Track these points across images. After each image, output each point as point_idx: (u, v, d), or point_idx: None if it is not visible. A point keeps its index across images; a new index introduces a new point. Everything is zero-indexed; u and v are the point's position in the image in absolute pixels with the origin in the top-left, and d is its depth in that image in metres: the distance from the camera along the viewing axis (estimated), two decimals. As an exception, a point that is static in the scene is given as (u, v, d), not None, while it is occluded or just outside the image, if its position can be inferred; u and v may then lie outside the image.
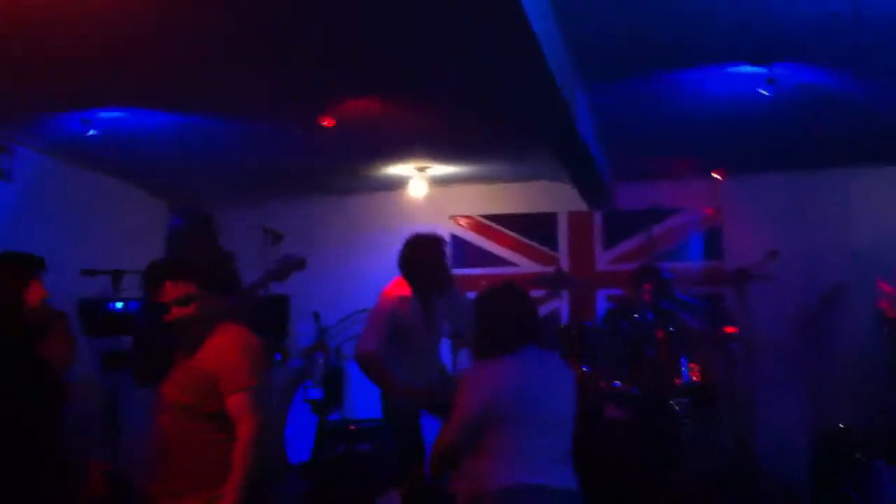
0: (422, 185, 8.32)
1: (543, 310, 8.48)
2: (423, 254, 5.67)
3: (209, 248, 5.60)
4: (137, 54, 4.92)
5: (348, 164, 7.94)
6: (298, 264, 5.50)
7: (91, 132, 6.00)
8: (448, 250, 5.87)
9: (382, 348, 5.39)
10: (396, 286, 5.66)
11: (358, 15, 4.47)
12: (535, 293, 8.12)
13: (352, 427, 7.47)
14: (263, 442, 3.51)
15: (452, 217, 8.93)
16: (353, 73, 5.42)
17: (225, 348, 3.60)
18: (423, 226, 8.14)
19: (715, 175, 8.07)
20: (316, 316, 8.12)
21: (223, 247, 6.40)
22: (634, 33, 4.90)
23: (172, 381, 3.67)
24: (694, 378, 6.82)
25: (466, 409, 3.74)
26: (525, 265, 8.72)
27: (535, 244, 8.79)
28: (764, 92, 5.39)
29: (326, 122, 6.11)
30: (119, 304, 6.63)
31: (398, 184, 8.56)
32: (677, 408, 6.57)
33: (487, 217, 8.93)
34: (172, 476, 3.56)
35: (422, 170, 8.15)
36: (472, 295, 6.85)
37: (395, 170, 8.20)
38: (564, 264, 8.54)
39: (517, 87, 4.96)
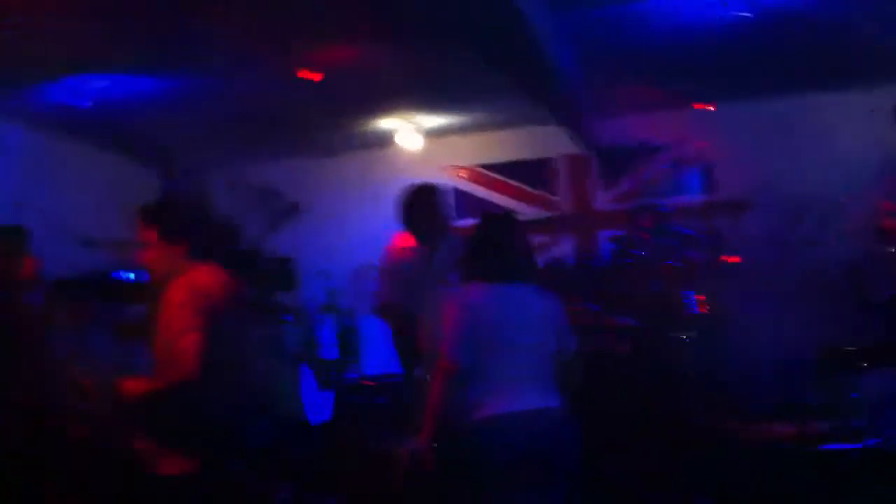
0: (413, 138, 8.35)
1: (548, 254, 8.53)
2: (418, 203, 5.69)
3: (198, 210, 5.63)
4: (119, 18, 4.96)
5: (337, 120, 7.97)
6: (290, 210, 5.50)
7: (86, 104, 6.01)
8: (444, 197, 5.89)
9: (397, 298, 5.45)
10: (399, 238, 5.70)
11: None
12: (540, 238, 8.21)
13: (369, 383, 7.54)
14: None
15: (448, 168, 8.95)
16: (327, 19, 5.45)
17: (174, 288, 3.56)
18: (420, 178, 8.31)
19: (701, 106, 8.06)
20: (324, 275, 8.15)
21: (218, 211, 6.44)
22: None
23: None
24: (700, 310, 6.87)
25: (457, 324, 3.75)
26: (525, 211, 8.75)
27: (533, 190, 8.83)
28: (745, 14, 5.38)
29: (309, 74, 6.12)
30: (131, 274, 6.68)
31: (390, 139, 8.58)
32: (686, 339, 6.65)
33: (485, 166, 8.95)
34: None
35: (411, 121, 8.18)
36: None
37: (385, 123, 8.23)
38: (564, 208, 8.56)
39: (485, 18, 4.95)
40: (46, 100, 6.29)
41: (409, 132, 8.32)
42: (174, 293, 3.53)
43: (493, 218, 4.20)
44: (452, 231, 5.97)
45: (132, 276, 6.49)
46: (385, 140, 8.69)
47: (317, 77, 6.16)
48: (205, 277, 3.63)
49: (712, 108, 8.07)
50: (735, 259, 7.38)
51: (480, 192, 8.96)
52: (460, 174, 8.98)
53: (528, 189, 8.84)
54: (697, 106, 8.05)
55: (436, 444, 3.75)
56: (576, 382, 3.94)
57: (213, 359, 3.47)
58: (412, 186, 5.74)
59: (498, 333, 3.75)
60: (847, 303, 7.07)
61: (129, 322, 6.14)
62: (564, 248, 8.57)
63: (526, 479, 3.65)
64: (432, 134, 8.62)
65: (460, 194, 8.83)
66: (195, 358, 3.40)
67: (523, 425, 3.69)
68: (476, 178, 8.97)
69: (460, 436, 3.69)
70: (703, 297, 6.90)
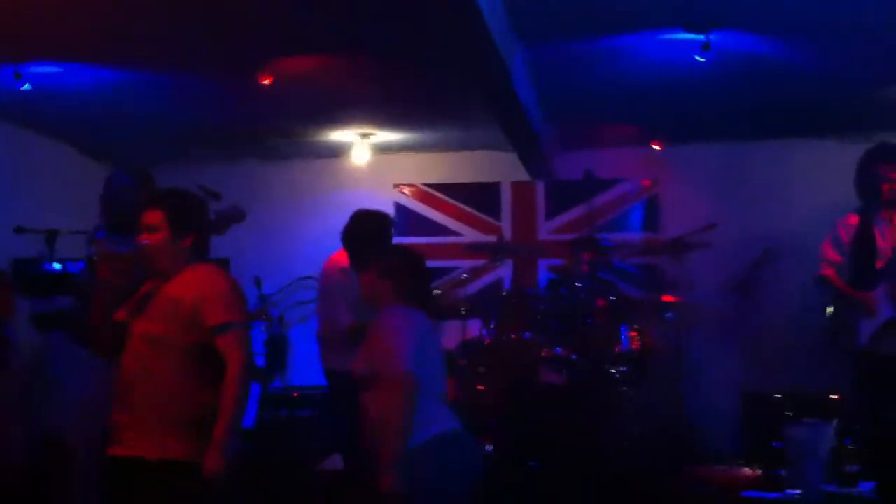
0: (365, 153, 8.32)
1: (486, 279, 8.53)
2: (368, 230, 5.57)
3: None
4: (72, 4, 4.86)
5: (289, 125, 7.89)
6: (238, 215, 5.39)
7: (25, 86, 5.88)
8: (391, 227, 5.79)
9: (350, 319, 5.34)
10: (338, 257, 5.61)
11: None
12: (478, 262, 8.21)
13: (294, 394, 7.47)
14: (247, 380, 3.51)
15: (396, 185, 8.91)
16: (289, 28, 5.42)
17: (206, 282, 3.54)
18: (367, 193, 8.27)
19: (653, 144, 8.16)
20: (257, 282, 8.04)
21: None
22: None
23: (143, 314, 3.56)
24: (633, 346, 6.90)
25: (408, 339, 3.83)
26: (468, 234, 8.74)
27: (478, 213, 8.81)
28: (700, 59, 5.45)
29: (264, 80, 6.05)
30: (57, 265, 6.55)
31: (341, 150, 8.54)
32: (616, 374, 6.67)
33: (431, 186, 8.92)
34: (140, 411, 3.46)
35: (365, 136, 8.15)
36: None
37: (339, 135, 8.18)
38: (507, 234, 8.56)
39: (453, 42, 5.00)
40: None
41: (360, 145, 8.28)
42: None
43: (409, 251, 4.48)
44: None
45: (58, 266, 6.37)
46: (334, 151, 8.64)
47: (267, 81, 6.07)
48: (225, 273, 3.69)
49: (660, 147, 8.18)
50: (672, 298, 7.44)
51: (424, 210, 8.91)
52: (405, 191, 8.94)
53: (473, 212, 8.82)
54: (652, 144, 8.15)
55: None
56: None
57: None
58: (362, 211, 5.62)
59: (428, 355, 3.88)
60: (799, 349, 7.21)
61: (47, 313, 6.02)
62: (503, 274, 8.56)
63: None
64: (383, 149, 8.58)
65: (403, 211, 8.79)
66: None
67: (467, 443, 3.99)
68: (421, 196, 8.92)
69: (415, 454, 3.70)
70: (635, 333, 6.93)
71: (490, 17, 4.47)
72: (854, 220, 5.93)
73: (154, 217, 3.58)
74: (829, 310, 6.01)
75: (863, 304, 5.78)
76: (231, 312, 3.50)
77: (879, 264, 5.79)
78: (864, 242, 5.84)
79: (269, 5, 5.00)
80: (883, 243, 5.80)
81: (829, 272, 5.98)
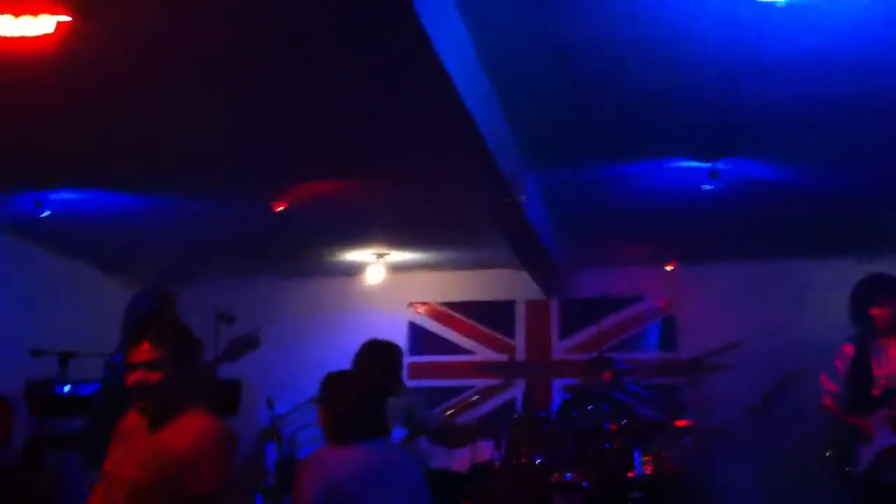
0: (380, 272, 8.37)
1: (499, 398, 8.47)
2: (377, 361, 5.56)
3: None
4: (90, 135, 5.02)
5: (305, 246, 8.00)
6: (253, 343, 5.41)
7: (44, 213, 6.01)
8: (401, 358, 5.77)
9: None
10: None
11: (307, 105, 4.59)
12: (491, 381, 8.16)
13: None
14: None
15: (410, 303, 8.95)
16: (307, 156, 5.57)
17: (199, 438, 3.27)
18: (381, 311, 8.31)
19: (667, 265, 8.17)
20: (269, 402, 8.02)
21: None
22: (582, 125, 5.06)
23: (128, 458, 3.32)
24: (647, 471, 6.78)
25: (304, 492, 3.52)
26: (481, 352, 8.73)
27: (491, 332, 8.81)
28: (707, 186, 5.52)
29: (279, 206, 6.16)
30: (66, 387, 6.56)
31: (356, 269, 8.61)
32: (629, 502, 6.54)
33: (445, 304, 8.95)
34: None
35: (380, 256, 8.22)
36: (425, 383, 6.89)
37: (354, 255, 8.27)
38: (521, 353, 8.55)
39: (463, 174, 5.07)
40: (7, 207, 6.29)
41: (375, 265, 8.36)
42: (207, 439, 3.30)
43: (346, 377, 3.87)
44: (403, 389, 5.86)
45: (67, 388, 6.39)
46: (350, 270, 8.71)
47: (282, 207, 6.19)
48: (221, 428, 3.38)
49: (678, 267, 8.18)
50: (687, 422, 7.33)
51: (438, 328, 8.91)
52: (420, 309, 8.96)
53: (486, 330, 8.82)
54: (667, 265, 8.17)
55: None
56: None
57: None
58: (371, 343, 5.60)
59: (349, 499, 3.52)
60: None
61: (61, 435, 6.03)
62: (516, 394, 8.50)
63: None
64: (398, 268, 8.65)
65: (417, 329, 8.80)
66: None
67: None
68: (435, 314, 8.95)
69: None
70: (649, 458, 6.82)
71: (497, 151, 4.56)
72: (849, 349, 5.96)
73: (153, 353, 3.33)
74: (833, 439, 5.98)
75: (861, 431, 5.75)
76: (216, 478, 3.28)
77: (876, 392, 5.78)
78: (858, 371, 5.85)
79: (287, 135, 5.11)
80: (878, 371, 5.82)
81: (827, 402, 6.00)
